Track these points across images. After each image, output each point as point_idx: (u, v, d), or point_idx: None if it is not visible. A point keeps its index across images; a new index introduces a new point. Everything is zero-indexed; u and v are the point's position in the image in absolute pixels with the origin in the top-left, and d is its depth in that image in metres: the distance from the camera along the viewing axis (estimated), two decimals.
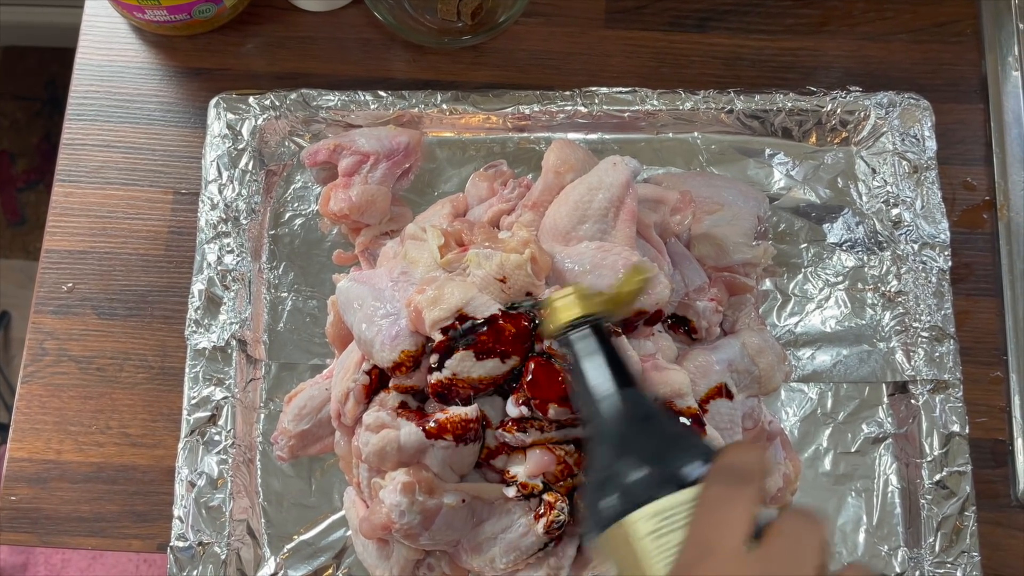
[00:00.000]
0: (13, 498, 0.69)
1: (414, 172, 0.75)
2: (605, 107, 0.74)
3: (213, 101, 0.74)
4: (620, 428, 0.46)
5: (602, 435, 0.46)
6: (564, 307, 0.51)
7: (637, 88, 0.74)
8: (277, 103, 0.74)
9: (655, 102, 0.74)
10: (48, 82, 1.68)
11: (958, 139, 0.77)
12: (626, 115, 0.74)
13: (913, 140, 0.73)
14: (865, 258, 0.73)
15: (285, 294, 0.72)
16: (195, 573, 0.64)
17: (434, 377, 0.60)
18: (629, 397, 0.47)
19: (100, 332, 0.72)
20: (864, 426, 0.69)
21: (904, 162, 0.73)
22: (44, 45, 1.66)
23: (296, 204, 0.74)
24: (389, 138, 0.72)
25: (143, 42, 0.80)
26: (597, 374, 0.48)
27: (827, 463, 0.68)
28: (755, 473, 0.41)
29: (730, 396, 0.63)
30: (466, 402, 0.61)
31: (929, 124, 0.74)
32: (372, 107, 0.74)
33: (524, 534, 0.60)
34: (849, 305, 0.72)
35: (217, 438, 0.67)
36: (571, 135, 0.75)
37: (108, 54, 0.79)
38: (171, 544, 0.65)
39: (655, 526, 0.41)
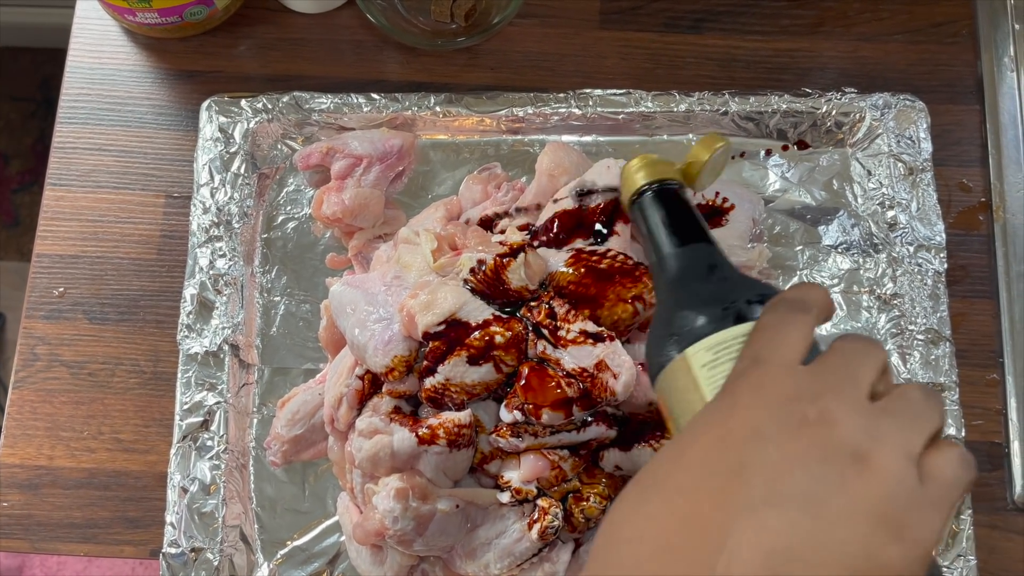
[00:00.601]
0: (5, 504, 0.69)
1: (407, 175, 0.74)
2: (599, 109, 0.74)
3: (205, 104, 0.74)
4: (689, 277, 0.47)
5: (667, 289, 0.47)
6: (633, 176, 0.52)
7: (631, 90, 0.74)
8: (269, 106, 0.73)
9: (649, 104, 0.74)
10: (42, 83, 1.67)
11: (954, 140, 0.77)
12: (620, 117, 0.74)
13: (909, 142, 0.73)
14: (860, 260, 0.72)
15: (278, 298, 0.72)
16: None
17: (427, 383, 0.60)
18: (693, 251, 0.48)
19: (92, 337, 0.72)
20: None
21: (899, 164, 0.73)
22: (38, 46, 1.66)
23: (289, 208, 0.74)
24: (382, 141, 0.72)
25: (134, 44, 0.79)
26: (661, 233, 0.50)
27: None
28: (816, 303, 0.40)
29: None
30: (460, 407, 0.60)
31: (925, 125, 0.73)
32: (365, 110, 0.74)
33: (518, 540, 0.60)
34: (844, 308, 0.71)
35: (210, 443, 0.66)
36: (565, 137, 0.75)
37: (99, 57, 0.79)
38: (163, 550, 0.64)
39: (713, 356, 0.41)
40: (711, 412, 0.38)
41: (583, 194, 0.63)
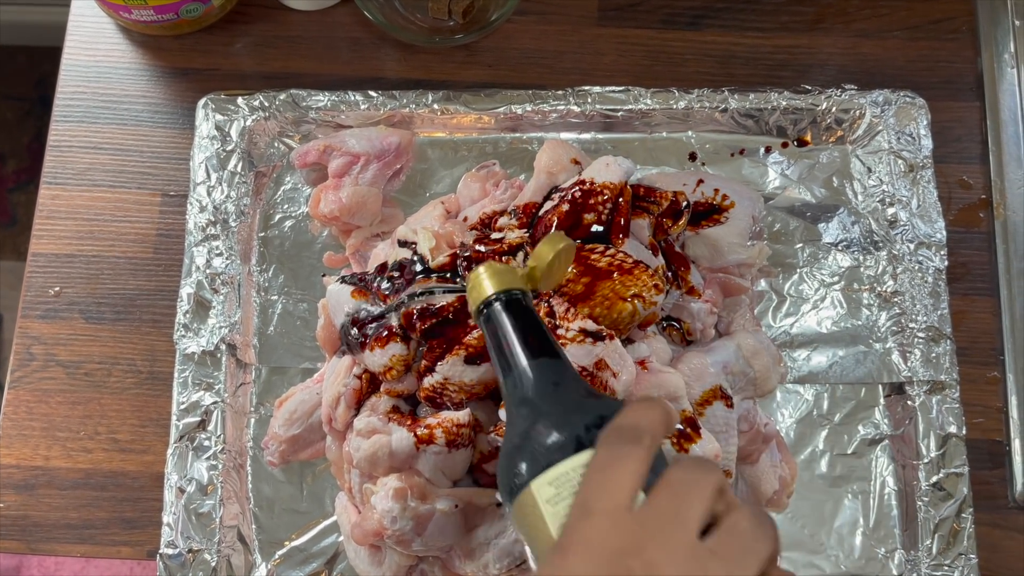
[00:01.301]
0: (1, 505, 0.68)
1: (405, 173, 0.74)
2: (598, 106, 0.73)
3: (201, 102, 0.73)
4: (531, 397, 0.46)
5: (515, 405, 0.47)
6: (480, 285, 0.50)
7: (630, 87, 0.73)
8: (266, 104, 0.73)
9: (648, 101, 0.73)
10: (38, 81, 1.66)
11: (954, 137, 0.76)
12: (619, 114, 0.73)
13: (909, 138, 0.73)
14: (861, 258, 0.72)
15: (275, 297, 0.71)
16: None
17: (426, 382, 0.60)
18: (541, 366, 0.47)
19: (88, 337, 0.71)
20: (860, 427, 0.68)
21: (900, 161, 0.72)
22: (34, 44, 1.65)
23: (286, 206, 0.73)
24: (380, 139, 0.72)
25: (130, 42, 0.79)
26: (512, 346, 0.48)
27: (823, 465, 0.68)
28: (648, 431, 0.40)
29: (729, 402, 0.62)
30: (458, 407, 0.60)
31: (925, 122, 0.73)
32: (362, 107, 0.73)
33: (517, 540, 0.60)
34: (845, 305, 0.71)
35: (207, 443, 0.66)
36: (564, 135, 0.75)
37: (95, 55, 0.78)
38: (160, 551, 0.64)
39: (555, 491, 0.41)
40: (545, 569, 0.39)
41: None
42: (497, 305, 0.49)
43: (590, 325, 0.58)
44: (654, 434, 0.40)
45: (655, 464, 0.40)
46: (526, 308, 0.50)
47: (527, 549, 0.42)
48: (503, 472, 0.44)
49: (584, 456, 0.41)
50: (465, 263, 0.60)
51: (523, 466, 0.42)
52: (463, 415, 0.59)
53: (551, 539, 0.40)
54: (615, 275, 0.60)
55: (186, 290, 0.69)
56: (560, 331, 0.58)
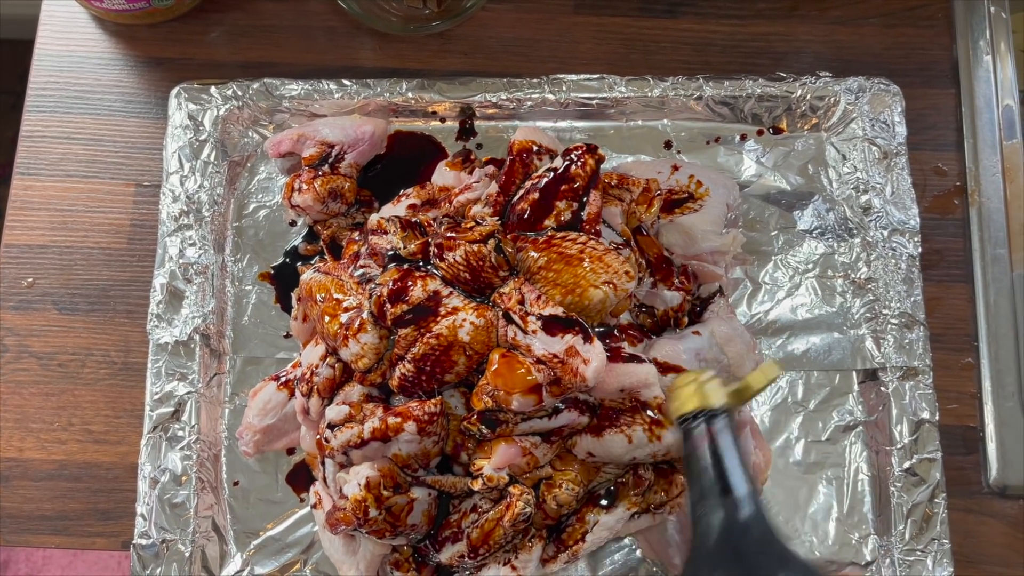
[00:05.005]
0: None
1: (380, 162, 0.73)
2: (573, 94, 0.73)
3: (174, 91, 0.73)
4: (730, 537, 0.50)
5: (713, 537, 0.50)
6: (687, 396, 0.55)
7: (605, 75, 0.73)
8: (239, 93, 0.73)
9: (623, 89, 0.73)
10: (22, 75, 1.65)
11: (929, 124, 0.76)
12: (594, 102, 0.73)
13: (883, 126, 0.73)
14: (835, 245, 0.72)
15: (249, 287, 0.71)
16: (159, 571, 0.63)
17: (398, 371, 0.60)
18: (743, 504, 0.51)
19: (61, 328, 0.71)
20: (834, 414, 0.68)
21: (874, 148, 0.72)
22: (17, 37, 1.64)
23: (260, 195, 0.73)
24: (354, 127, 0.71)
25: (103, 32, 0.78)
26: (725, 467, 0.52)
27: (798, 452, 0.68)
28: None
29: None
30: (430, 395, 0.60)
31: (899, 109, 0.73)
32: (336, 96, 0.73)
33: None
34: (819, 292, 0.71)
35: (181, 434, 0.66)
36: (540, 123, 0.74)
37: (68, 44, 0.78)
38: (134, 542, 0.64)
39: None
40: None
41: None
42: (722, 420, 0.53)
43: (560, 312, 0.58)
44: None
45: None
46: (730, 431, 0.54)
47: None
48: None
49: None
50: (436, 251, 0.60)
51: None
52: (433, 403, 0.59)
53: None
54: (586, 262, 0.60)
55: (159, 280, 0.69)
56: (530, 318, 0.58)
